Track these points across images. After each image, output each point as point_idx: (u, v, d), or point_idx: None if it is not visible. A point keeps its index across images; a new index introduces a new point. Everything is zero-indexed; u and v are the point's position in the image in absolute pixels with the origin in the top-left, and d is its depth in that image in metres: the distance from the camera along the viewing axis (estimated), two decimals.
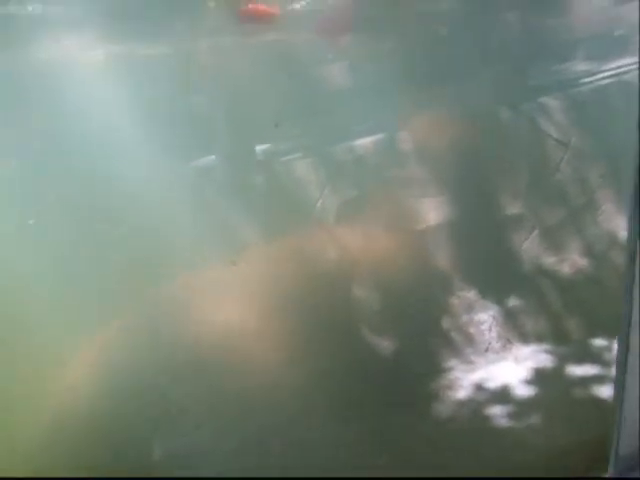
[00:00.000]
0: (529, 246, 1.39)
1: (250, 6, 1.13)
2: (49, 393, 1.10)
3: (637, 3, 1.39)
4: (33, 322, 1.10)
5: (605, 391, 1.39)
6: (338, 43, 1.18)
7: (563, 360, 1.44)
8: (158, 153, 1.08)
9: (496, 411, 1.34)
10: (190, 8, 1.09)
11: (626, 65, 1.44)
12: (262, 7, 1.13)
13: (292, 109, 1.16)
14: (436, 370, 1.38)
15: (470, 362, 1.39)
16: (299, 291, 1.20)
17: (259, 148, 1.19)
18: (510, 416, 1.33)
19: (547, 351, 1.44)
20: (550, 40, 1.48)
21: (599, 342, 1.45)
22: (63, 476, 1.10)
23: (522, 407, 1.39)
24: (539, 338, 1.44)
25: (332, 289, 1.23)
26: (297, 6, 1.15)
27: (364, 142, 1.21)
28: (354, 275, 1.26)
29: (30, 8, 1.08)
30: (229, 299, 1.15)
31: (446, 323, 1.37)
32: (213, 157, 1.14)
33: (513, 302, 1.40)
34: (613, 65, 1.48)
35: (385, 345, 1.32)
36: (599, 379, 1.41)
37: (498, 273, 1.38)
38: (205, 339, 1.13)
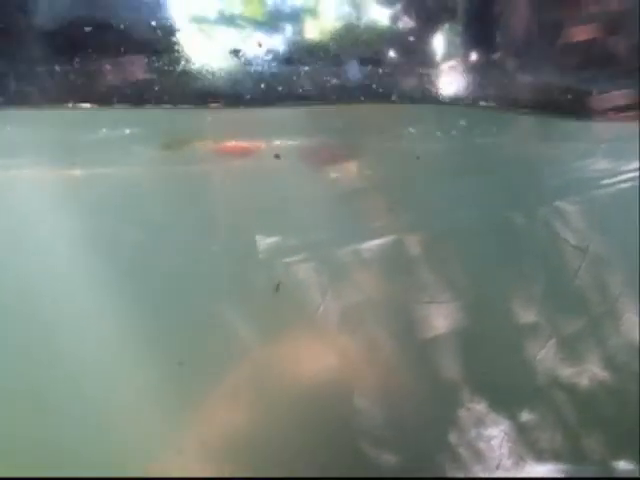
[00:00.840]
0: (545, 356, 1.30)
1: (228, 144, 1.12)
2: None
3: None
4: None
5: None
6: (328, 170, 1.17)
7: None
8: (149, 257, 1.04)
9: None
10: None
11: None
12: (242, 144, 1.12)
13: (296, 213, 1.12)
14: None
15: None
16: (296, 404, 1.12)
17: (261, 246, 1.14)
18: None
19: (564, 471, 1.33)
20: (566, 139, 1.45)
21: (622, 464, 1.33)
22: None
23: None
24: (555, 457, 1.32)
25: (332, 402, 1.15)
26: (277, 142, 1.14)
27: (370, 245, 1.16)
28: (356, 387, 1.18)
29: None
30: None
31: (453, 438, 1.27)
32: (210, 256, 1.09)
33: (527, 416, 1.30)
34: (632, 167, 1.43)
35: (388, 461, 1.22)
36: None
37: (511, 385, 1.29)
38: None
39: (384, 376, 1.20)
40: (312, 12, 2.19)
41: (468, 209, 1.26)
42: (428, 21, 1.94)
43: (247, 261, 1.10)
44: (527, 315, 1.29)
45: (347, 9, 2.22)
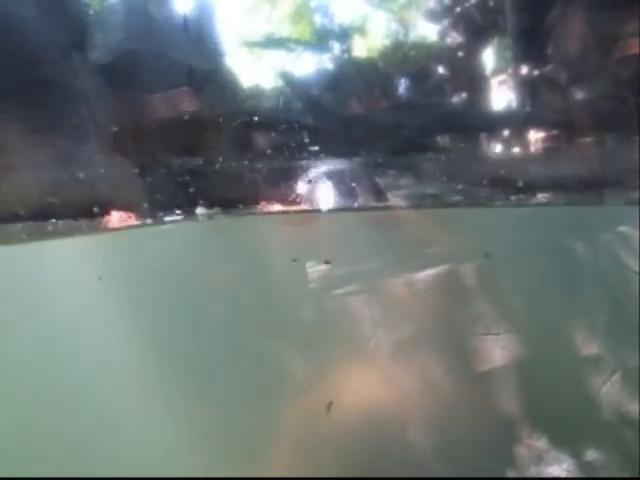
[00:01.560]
0: (609, 391, 1.23)
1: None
2: None
3: None
4: None
5: None
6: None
7: None
8: None
9: None
10: None
11: None
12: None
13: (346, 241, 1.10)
14: None
15: None
16: (349, 436, 1.09)
17: (311, 277, 1.13)
18: None
19: None
20: (627, 159, 1.38)
21: None
22: None
23: None
24: None
25: (385, 435, 1.12)
26: None
27: (423, 275, 1.13)
28: (410, 420, 1.14)
29: None
30: None
31: (512, 475, 1.21)
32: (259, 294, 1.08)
33: (590, 455, 1.23)
34: None
35: None
36: None
37: (572, 420, 1.22)
38: None
39: (439, 410, 1.15)
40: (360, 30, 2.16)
41: (525, 235, 1.21)
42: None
43: (298, 294, 1.09)
44: (589, 347, 1.22)
45: (395, 27, 2.19)
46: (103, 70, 1.24)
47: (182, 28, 1.53)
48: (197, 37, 1.54)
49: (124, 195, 1.12)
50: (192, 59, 1.48)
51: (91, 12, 1.25)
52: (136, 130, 1.27)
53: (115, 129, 1.22)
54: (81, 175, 1.07)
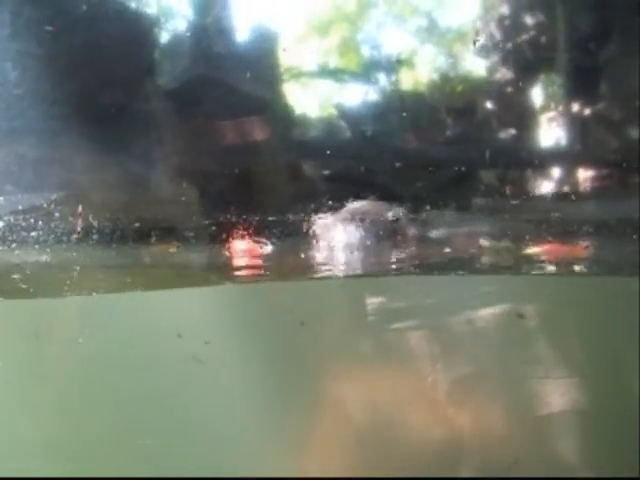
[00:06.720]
0: None
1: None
2: None
3: None
4: None
5: None
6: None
7: None
8: None
9: None
10: None
11: None
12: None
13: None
14: None
15: None
16: (400, 474, 1.06)
17: (369, 307, 1.11)
18: None
19: None
20: None
21: None
22: None
23: None
24: None
25: (437, 475, 1.09)
26: None
27: (485, 314, 1.11)
28: (463, 462, 1.11)
29: None
30: None
31: None
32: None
33: None
34: None
35: None
36: None
37: (635, 470, 1.17)
38: None
39: (493, 453, 1.12)
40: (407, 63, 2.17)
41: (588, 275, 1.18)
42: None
43: (354, 328, 1.07)
44: None
45: (442, 60, 2.19)
46: (169, 96, 1.27)
47: (239, 56, 1.55)
48: (253, 65, 1.56)
49: (183, 220, 1.13)
50: (249, 86, 1.50)
51: (162, 40, 1.28)
52: (195, 154, 1.29)
53: (176, 152, 1.24)
54: (145, 197, 1.09)
